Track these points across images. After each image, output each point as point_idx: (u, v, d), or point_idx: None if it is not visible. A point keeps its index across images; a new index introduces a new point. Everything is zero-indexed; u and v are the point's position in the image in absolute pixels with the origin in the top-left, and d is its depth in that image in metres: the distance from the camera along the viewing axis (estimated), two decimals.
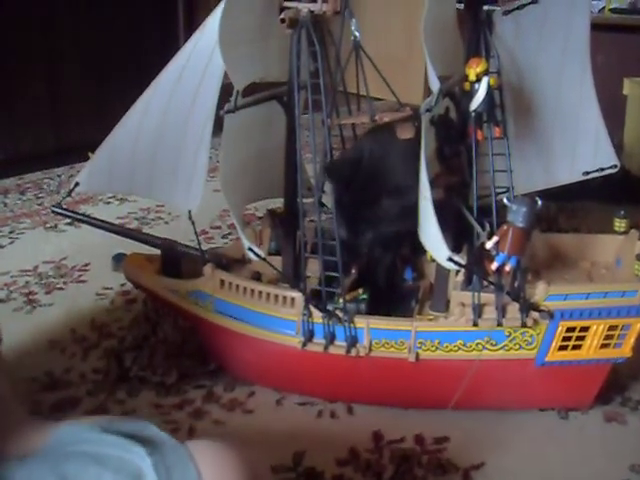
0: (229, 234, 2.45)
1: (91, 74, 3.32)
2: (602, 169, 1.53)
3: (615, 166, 1.53)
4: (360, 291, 1.50)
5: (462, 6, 1.45)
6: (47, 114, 3.23)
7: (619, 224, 1.58)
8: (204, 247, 2.22)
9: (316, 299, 1.45)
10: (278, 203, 1.62)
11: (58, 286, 2.12)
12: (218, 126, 1.45)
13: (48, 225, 2.58)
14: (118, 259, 1.75)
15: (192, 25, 1.47)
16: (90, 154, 1.61)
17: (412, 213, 1.35)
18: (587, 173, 1.54)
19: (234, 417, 1.54)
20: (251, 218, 2.47)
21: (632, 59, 3.36)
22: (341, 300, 1.44)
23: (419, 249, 1.44)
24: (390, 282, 1.59)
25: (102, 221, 1.74)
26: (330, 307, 1.45)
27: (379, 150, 1.45)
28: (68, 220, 2.31)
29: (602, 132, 1.51)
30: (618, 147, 2.84)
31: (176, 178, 1.55)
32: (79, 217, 1.77)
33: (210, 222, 2.54)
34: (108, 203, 2.81)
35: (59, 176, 3.17)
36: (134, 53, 3.38)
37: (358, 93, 1.55)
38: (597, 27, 3.01)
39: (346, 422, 1.53)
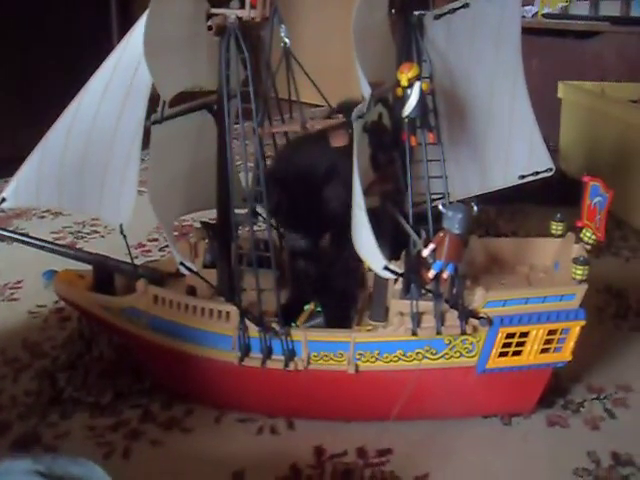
0: (166, 246, 2.39)
1: (20, 83, 3.22)
2: (537, 173, 1.53)
3: (550, 169, 1.53)
4: (312, 306, 1.47)
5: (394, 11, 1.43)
6: None
7: (556, 227, 1.58)
8: (141, 260, 2.20)
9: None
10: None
11: None
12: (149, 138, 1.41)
13: None
14: (49, 276, 1.69)
15: (126, 26, 1.43)
16: None
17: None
18: (522, 177, 1.53)
19: (172, 436, 1.49)
20: (188, 229, 2.42)
21: (566, 63, 3.41)
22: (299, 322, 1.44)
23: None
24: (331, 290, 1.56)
25: (31, 237, 1.68)
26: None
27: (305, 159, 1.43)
28: None
29: (536, 136, 1.51)
30: (554, 150, 2.89)
31: (105, 192, 1.50)
32: (6, 233, 1.70)
33: (147, 235, 2.49)
34: (42, 217, 2.74)
35: None
36: (64, 59, 3.26)
37: (290, 100, 1.52)
38: (531, 31, 3.07)
39: (287, 438, 1.49)
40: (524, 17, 3.49)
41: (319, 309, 1.49)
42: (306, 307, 1.48)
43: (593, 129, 2.95)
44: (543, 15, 3.60)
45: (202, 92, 1.48)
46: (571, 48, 3.45)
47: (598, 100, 2.97)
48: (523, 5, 3.49)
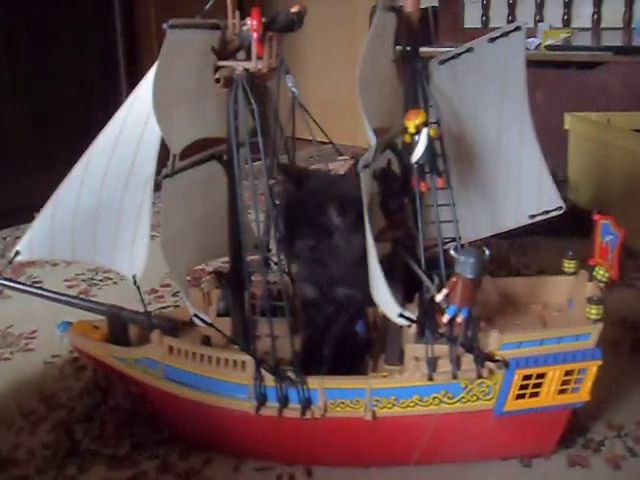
0: (179, 292, 2.39)
1: (33, 131, 3.26)
2: (547, 212, 1.53)
3: (560, 208, 1.53)
4: None
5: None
6: None
7: (568, 265, 1.58)
8: (154, 306, 2.20)
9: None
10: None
11: (4, 356, 2.05)
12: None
13: None
14: (63, 328, 1.69)
15: (134, 80, 1.46)
16: (36, 214, 1.57)
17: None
18: (533, 216, 1.54)
19: None
20: (201, 274, 2.43)
21: (570, 94, 3.42)
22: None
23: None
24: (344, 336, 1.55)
25: (44, 289, 1.69)
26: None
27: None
28: None
29: (545, 175, 1.51)
30: (563, 181, 2.90)
31: (118, 244, 1.51)
32: (20, 287, 1.71)
33: (160, 280, 2.49)
34: (55, 265, 2.74)
35: (4, 238, 3.10)
36: (76, 111, 3.33)
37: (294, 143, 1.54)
38: (535, 64, 3.09)
39: None
40: (527, 49, 3.51)
41: None
42: None
43: (601, 159, 2.95)
44: (546, 47, 3.61)
45: (211, 139, 1.49)
46: (575, 79, 3.46)
47: (604, 130, 2.98)
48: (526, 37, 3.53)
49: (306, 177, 1.47)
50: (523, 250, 2.69)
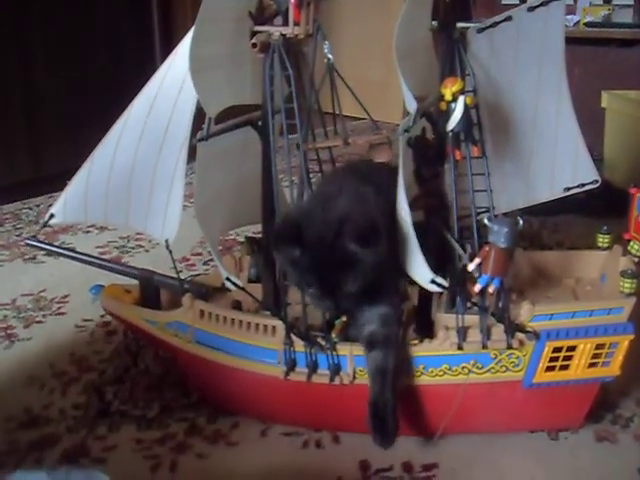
0: (210, 260, 2.41)
1: (67, 101, 3.29)
2: (583, 185, 1.52)
3: (596, 181, 1.51)
4: (344, 318, 1.47)
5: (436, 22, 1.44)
6: (24, 143, 3.20)
7: (602, 239, 1.56)
8: (185, 274, 2.22)
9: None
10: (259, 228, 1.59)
11: (37, 319, 2.08)
12: (194, 152, 1.43)
13: (27, 257, 2.54)
14: (96, 291, 1.71)
15: (169, 46, 1.47)
16: (69, 182, 1.58)
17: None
18: (568, 189, 1.52)
19: (218, 450, 1.50)
20: (232, 243, 2.44)
21: (609, 71, 3.37)
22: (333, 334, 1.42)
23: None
24: None
25: (78, 252, 1.71)
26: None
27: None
28: None
29: (581, 148, 1.50)
30: (599, 160, 2.86)
31: (151, 207, 1.53)
32: (54, 249, 1.73)
33: (191, 249, 2.51)
34: (87, 232, 2.77)
35: (38, 206, 3.14)
36: (110, 78, 3.35)
37: (334, 115, 1.53)
38: (573, 41, 3.05)
39: (332, 452, 1.49)
40: (566, 26, 3.47)
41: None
42: (337, 321, 1.47)
43: (638, 138, 2.91)
44: (585, 24, 3.56)
45: (246, 106, 1.50)
46: (614, 56, 3.41)
47: None
48: (565, 14, 3.48)
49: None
50: (555, 228, 2.67)
